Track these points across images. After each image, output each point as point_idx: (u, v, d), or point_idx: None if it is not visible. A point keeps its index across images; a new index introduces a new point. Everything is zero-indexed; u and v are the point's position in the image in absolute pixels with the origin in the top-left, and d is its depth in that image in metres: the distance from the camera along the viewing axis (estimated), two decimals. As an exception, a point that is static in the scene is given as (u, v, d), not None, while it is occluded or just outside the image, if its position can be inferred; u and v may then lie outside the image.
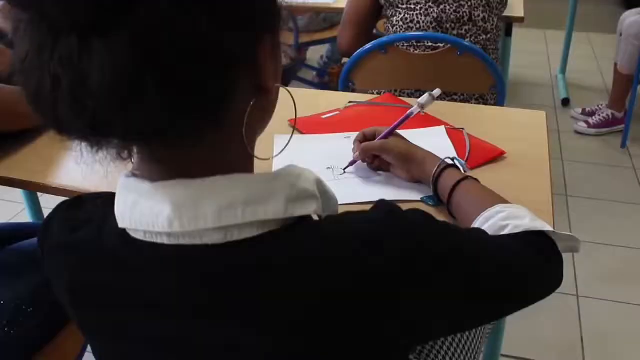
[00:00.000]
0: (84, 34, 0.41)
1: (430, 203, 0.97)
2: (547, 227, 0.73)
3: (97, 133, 0.45)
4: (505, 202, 0.82)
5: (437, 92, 1.00)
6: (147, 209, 0.50)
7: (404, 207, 0.95)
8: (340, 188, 1.02)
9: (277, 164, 1.08)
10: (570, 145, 2.93)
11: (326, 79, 3.32)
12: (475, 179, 0.89)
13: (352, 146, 1.06)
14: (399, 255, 0.51)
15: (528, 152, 1.12)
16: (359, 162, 1.06)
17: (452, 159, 0.95)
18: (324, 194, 0.57)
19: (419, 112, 1.02)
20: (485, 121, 1.27)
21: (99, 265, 0.55)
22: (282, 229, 0.51)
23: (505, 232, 0.73)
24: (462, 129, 1.18)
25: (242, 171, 0.53)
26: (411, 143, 1.01)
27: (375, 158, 1.03)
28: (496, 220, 0.76)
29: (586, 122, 3.03)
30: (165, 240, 0.50)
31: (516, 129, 1.22)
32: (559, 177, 2.66)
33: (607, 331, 1.86)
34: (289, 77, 2.90)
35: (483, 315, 0.63)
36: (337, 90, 1.84)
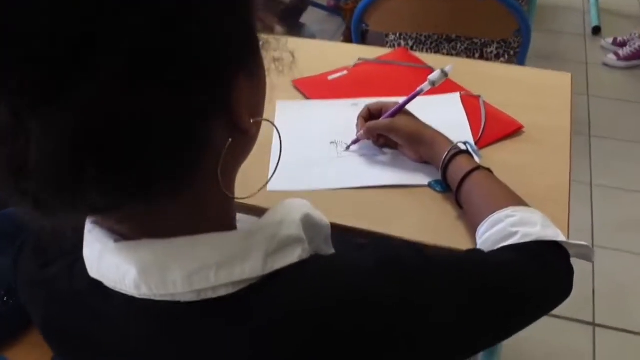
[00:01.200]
0: (18, 112, 0.34)
1: (438, 189, 0.91)
2: (560, 237, 0.69)
3: (43, 212, 0.40)
4: (517, 200, 0.77)
5: (449, 68, 0.91)
6: (114, 267, 0.46)
7: (411, 192, 0.93)
8: (343, 168, 0.96)
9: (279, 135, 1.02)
10: (598, 78, 2.78)
11: (342, 3, 3.15)
12: (488, 169, 0.83)
13: (357, 121, 0.99)
14: (388, 313, 0.48)
15: (548, 126, 1.03)
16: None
17: (465, 144, 0.88)
18: (312, 228, 0.52)
19: (430, 88, 0.93)
20: (504, 84, 1.17)
21: (70, 307, 0.53)
22: (260, 284, 0.46)
23: (514, 240, 0.69)
24: (479, 96, 1.09)
25: (218, 218, 0.48)
26: (420, 122, 0.93)
27: (381, 136, 0.96)
28: (505, 226, 0.71)
29: (616, 53, 2.86)
30: (135, 294, 0.47)
31: (538, 95, 1.13)
32: (583, 114, 2.54)
33: (620, 284, 1.82)
34: (294, 18, 2.70)
35: (481, 344, 0.59)
36: (349, 28, 1.73)
